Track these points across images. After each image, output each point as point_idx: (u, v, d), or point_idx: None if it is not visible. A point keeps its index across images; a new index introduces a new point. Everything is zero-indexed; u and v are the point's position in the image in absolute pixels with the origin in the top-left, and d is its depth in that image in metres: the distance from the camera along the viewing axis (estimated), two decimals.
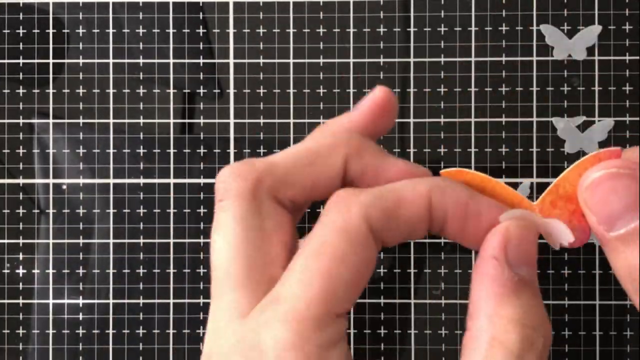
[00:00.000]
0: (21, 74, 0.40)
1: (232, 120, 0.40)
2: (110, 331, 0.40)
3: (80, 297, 0.40)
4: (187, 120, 0.40)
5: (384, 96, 0.24)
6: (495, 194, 0.23)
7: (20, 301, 0.40)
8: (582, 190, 0.21)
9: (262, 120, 0.40)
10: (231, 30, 0.40)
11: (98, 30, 0.40)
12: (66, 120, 0.40)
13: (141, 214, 0.40)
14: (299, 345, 0.19)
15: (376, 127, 0.24)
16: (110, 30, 0.40)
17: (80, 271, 0.40)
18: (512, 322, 0.20)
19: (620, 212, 0.20)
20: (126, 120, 0.40)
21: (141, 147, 0.40)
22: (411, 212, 0.21)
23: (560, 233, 0.22)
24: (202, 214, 0.40)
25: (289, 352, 0.19)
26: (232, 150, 0.40)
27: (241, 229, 0.21)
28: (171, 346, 0.39)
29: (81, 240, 0.40)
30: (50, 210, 0.40)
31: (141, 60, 0.40)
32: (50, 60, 0.40)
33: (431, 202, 0.21)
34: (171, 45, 0.40)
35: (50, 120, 0.40)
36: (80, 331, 0.40)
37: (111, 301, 0.40)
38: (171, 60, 0.40)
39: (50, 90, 0.40)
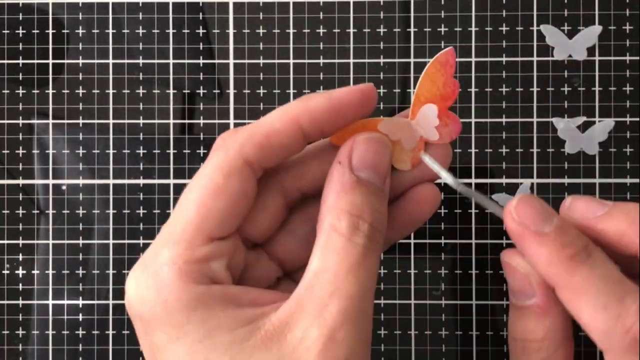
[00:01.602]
0: (21, 74, 0.40)
1: (232, 121, 0.40)
2: (110, 332, 0.40)
3: (80, 297, 0.40)
4: (187, 121, 0.40)
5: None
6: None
7: (20, 302, 0.40)
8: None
9: None
10: (231, 31, 0.40)
11: (98, 31, 0.40)
12: (66, 121, 0.40)
13: (141, 215, 0.40)
14: (173, 261, 0.24)
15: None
16: (110, 31, 0.40)
17: (80, 272, 0.40)
18: (343, 212, 0.25)
19: (516, 290, 0.26)
20: (126, 121, 0.40)
21: (141, 147, 0.40)
22: (283, 138, 0.25)
23: (430, 115, 0.27)
24: None
25: (165, 266, 0.24)
26: None
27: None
28: None
29: (81, 241, 0.40)
30: (50, 211, 0.40)
31: (141, 61, 0.40)
32: (50, 61, 0.40)
33: (301, 124, 0.25)
34: (171, 46, 0.40)
35: (50, 121, 0.40)
36: (80, 332, 0.40)
37: (111, 302, 0.40)
38: (171, 61, 0.40)
39: (50, 91, 0.40)
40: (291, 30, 0.40)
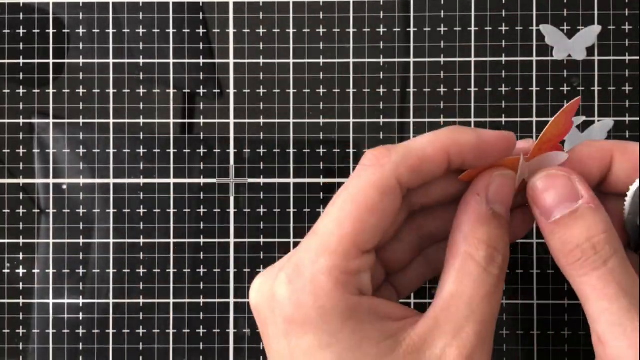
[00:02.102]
0: (21, 74, 0.40)
1: (232, 120, 0.40)
2: (111, 331, 0.40)
3: (81, 296, 0.40)
4: (187, 120, 0.40)
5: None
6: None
7: (21, 301, 0.40)
8: (529, 190, 0.28)
9: (262, 120, 0.40)
10: (231, 30, 0.40)
11: (98, 31, 0.40)
12: (66, 120, 0.40)
13: (141, 214, 0.40)
14: (330, 271, 0.25)
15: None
16: (111, 31, 0.40)
17: (81, 271, 0.40)
18: (481, 242, 0.26)
19: (556, 204, 0.27)
20: (126, 120, 0.40)
21: (141, 147, 0.40)
22: (433, 165, 0.27)
23: (556, 158, 0.29)
24: (202, 214, 0.40)
25: (322, 275, 0.25)
26: (232, 150, 0.40)
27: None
28: (171, 346, 0.40)
29: (81, 240, 0.40)
30: (51, 210, 0.40)
31: (141, 60, 0.40)
32: (51, 60, 0.40)
33: (449, 154, 0.27)
34: (171, 45, 0.40)
35: (51, 120, 0.40)
36: (81, 331, 0.40)
37: (111, 301, 0.40)
38: (171, 60, 0.40)
39: (51, 90, 0.40)
40: (291, 30, 0.40)
